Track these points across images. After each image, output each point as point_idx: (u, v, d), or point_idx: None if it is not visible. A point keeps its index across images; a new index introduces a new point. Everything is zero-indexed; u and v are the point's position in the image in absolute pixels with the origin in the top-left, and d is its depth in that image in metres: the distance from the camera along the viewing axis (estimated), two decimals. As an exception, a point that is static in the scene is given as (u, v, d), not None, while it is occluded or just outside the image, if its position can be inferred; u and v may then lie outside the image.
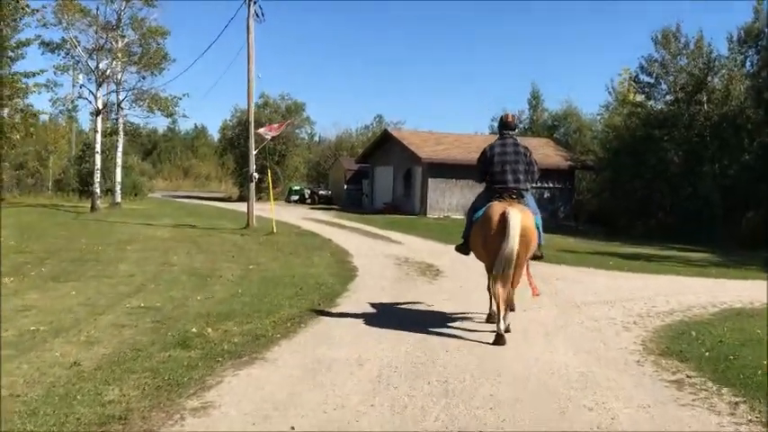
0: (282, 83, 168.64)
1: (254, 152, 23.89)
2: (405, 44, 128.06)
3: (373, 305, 9.94)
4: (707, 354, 7.44)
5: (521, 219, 7.65)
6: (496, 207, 7.88)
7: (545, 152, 36.80)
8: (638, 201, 32.70)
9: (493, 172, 8.24)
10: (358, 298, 10.56)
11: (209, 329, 7.94)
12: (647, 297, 11.62)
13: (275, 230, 21.83)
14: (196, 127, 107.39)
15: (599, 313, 9.90)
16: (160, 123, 72.46)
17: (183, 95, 35.04)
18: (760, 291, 13.01)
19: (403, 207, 38.08)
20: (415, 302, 10.29)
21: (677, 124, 30.81)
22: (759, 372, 6.62)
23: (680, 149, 31.07)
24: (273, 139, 44.09)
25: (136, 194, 44.58)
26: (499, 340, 7.57)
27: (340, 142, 61.86)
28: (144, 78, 34.63)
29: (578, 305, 10.53)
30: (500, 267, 7.62)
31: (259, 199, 49.34)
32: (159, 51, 33.29)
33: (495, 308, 8.04)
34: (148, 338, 7.48)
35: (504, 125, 8.56)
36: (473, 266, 15.10)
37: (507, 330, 7.87)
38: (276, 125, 25.64)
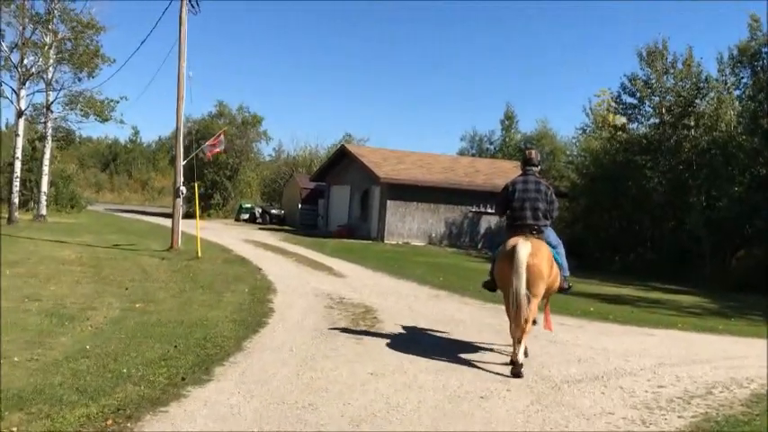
0: (248, 99, 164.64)
1: (183, 162, 20.64)
2: (374, 61, 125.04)
3: (261, 383, 6.76)
4: None
5: (528, 253, 7.77)
6: (510, 242, 8.03)
7: (516, 176, 33.87)
8: (616, 233, 30.00)
9: (513, 208, 8.38)
10: (248, 367, 7.39)
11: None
12: (649, 368, 8.64)
13: (200, 255, 18.64)
14: (160, 139, 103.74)
15: (589, 402, 6.84)
16: (93, 129, 68.74)
17: (121, 98, 31.50)
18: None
19: (359, 231, 34.96)
20: (324, 380, 7.08)
21: (661, 150, 28.08)
22: None
23: (664, 178, 28.33)
24: (225, 151, 41.26)
25: (72, 207, 41.02)
26: (515, 369, 7.69)
27: (298, 158, 58.46)
28: (79, 80, 31.24)
29: (558, 384, 7.46)
30: (512, 301, 7.72)
31: (207, 216, 46.55)
32: (94, 48, 29.87)
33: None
34: None
35: (527, 162, 8.76)
36: (423, 313, 12.17)
37: (517, 374, 7.72)
38: (214, 139, 22.33)
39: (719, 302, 18.42)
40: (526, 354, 8.24)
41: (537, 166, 8.79)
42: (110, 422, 5.36)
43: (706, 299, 19.15)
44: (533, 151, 9.13)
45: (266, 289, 13.57)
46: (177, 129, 20.68)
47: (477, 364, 8.08)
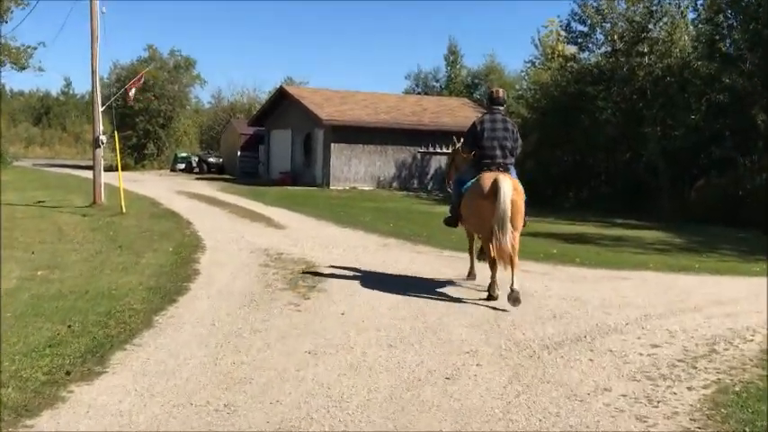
0: (181, 44, 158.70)
1: (102, 109, 18.72)
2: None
3: (167, 375, 5.31)
4: None
5: (511, 185, 7.92)
6: (487, 176, 8.09)
7: (463, 114, 32.56)
8: (569, 168, 28.93)
9: (483, 146, 8.42)
10: (155, 351, 5.94)
11: None
12: (635, 322, 7.46)
13: (125, 210, 16.95)
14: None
15: (577, 375, 5.59)
16: (23, 82, 65.39)
17: (39, 44, 29.21)
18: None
19: (303, 177, 33.33)
20: (249, 366, 5.65)
21: (614, 79, 26.81)
22: None
23: (617, 108, 27.14)
24: (157, 97, 39.04)
25: (-2, 163, 38.60)
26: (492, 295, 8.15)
27: (237, 103, 55.89)
28: (-8, 25, 28.73)
29: (537, 352, 6.19)
30: (497, 231, 7.74)
31: (142, 168, 44.28)
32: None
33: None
34: None
35: (494, 100, 8.77)
36: (372, 266, 10.76)
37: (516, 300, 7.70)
38: (134, 82, 20.39)
39: (684, 237, 17.47)
40: (516, 300, 7.73)
41: (503, 105, 8.80)
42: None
43: (669, 233, 18.16)
44: (500, 90, 9.12)
45: (194, 246, 12.00)
46: (93, 71, 18.63)
47: (438, 330, 6.75)
